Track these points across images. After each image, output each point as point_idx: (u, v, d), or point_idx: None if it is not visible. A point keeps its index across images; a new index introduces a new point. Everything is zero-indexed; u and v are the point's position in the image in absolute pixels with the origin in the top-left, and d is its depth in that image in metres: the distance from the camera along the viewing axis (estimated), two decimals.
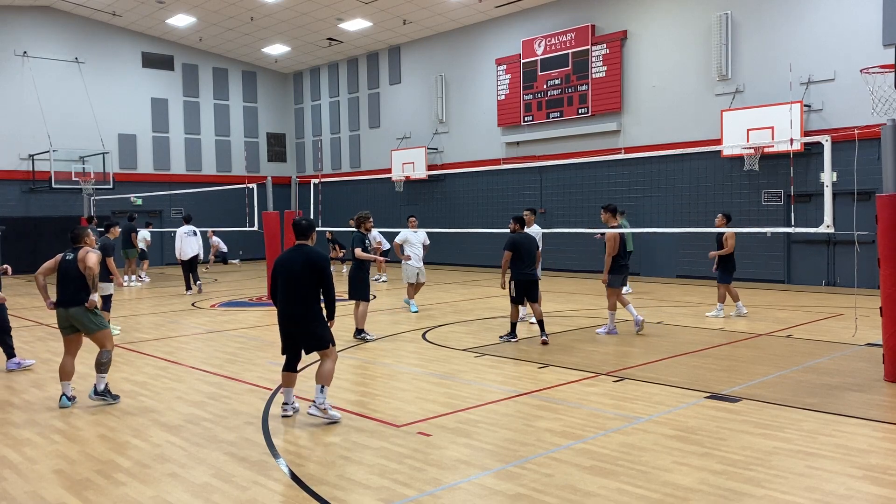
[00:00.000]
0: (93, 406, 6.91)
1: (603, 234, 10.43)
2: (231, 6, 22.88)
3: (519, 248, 9.74)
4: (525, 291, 9.81)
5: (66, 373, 6.98)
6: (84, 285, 6.86)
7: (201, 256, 17.64)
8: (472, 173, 22.43)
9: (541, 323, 9.85)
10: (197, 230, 17.44)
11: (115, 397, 7.04)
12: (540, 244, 10.83)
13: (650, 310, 12.74)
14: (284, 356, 6.42)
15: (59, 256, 7.11)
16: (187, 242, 16.98)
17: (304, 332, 6.20)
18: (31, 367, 8.70)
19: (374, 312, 13.04)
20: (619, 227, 10.46)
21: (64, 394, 6.95)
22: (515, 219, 10.16)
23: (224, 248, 23.63)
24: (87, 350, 7.91)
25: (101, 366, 6.92)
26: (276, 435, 5.91)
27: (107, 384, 7.03)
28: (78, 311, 6.84)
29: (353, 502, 4.51)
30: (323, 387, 6.14)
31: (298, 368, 6.47)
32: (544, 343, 9.59)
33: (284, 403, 6.43)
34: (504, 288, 10.03)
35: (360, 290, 10.29)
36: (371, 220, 10.64)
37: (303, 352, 6.40)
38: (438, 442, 5.62)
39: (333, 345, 6.30)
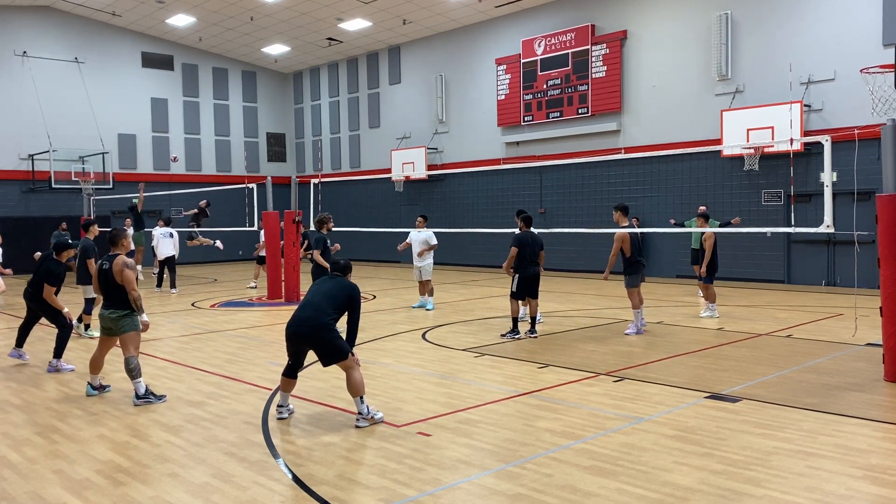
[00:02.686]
0: (93, 406, 6.92)
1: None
2: (231, 6, 22.88)
3: (524, 247, 10.11)
4: (527, 287, 10.16)
5: (94, 365, 7.31)
6: (115, 294, 7.03)
7: (177, 257, 17.73)
8: (472, 173, 22.44)
9: (533, 319, 10.34)
10: (174, 232, 17.50)
11: (161, 397, 7.05)
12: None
13: (650, 310, 12.73)
14: (288, 359, 6.37)
15: (97, 266, 7.30)
16: (164, 243, 17.21)
17: (317, 342, 6.08)
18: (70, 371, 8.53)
19: (374, 312, 13.05)
20: (629, 226, 10.55)
21: (89, 383, 7.32)
22: (524, 219, 10.43)
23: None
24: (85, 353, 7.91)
25: (130, 372, 6.95)
26: (276, 435, 5.91)
27: (147, 387, 7.03)
28: (113, 313, 7.03)
29: (353, 502, 4.51)
30: (361, 397, 6.07)
31: (298, 373, 6.45)
32: (532, 337, 10.18)
33: (280, 405, 6.41)
34: (508, 273, 10.34)
35: None
36: (332, 221, 11.26)
37: (304, 358, 6.37)
38: (438, 442, 5.61)
39: (352, 353, 6.16)
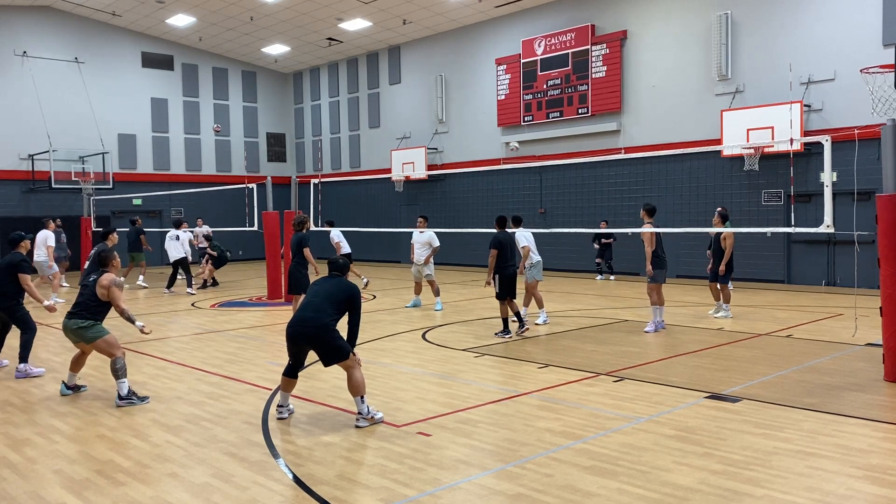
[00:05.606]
0: (93, 406, 6.91)
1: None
2: (231, 6, 22.88)
3: (503, 247, 10.26)
4: (510, 286, 10.31)
5: (74, 364, 7.31)
6: (90, 306, 7.02)
7: (190, 258, 17.72)
8: (472, 173, 22.44)
9: (518, 316, 10.43)
10: (180, 234, 17.50)
11: (144, 398, 7.04)
12: (524, 242, 11.25)
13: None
14: (289, 359, 6.38)
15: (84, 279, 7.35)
16: (170, 246, 17.37)
17: (319, 342, 6.07)
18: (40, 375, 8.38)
19: (375, 312, 13.04)
20: (655, 225, 10.58)
21: (64, 382, 7.32)
22: (498, 220, 10.60)
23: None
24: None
25: (116, 373, 6.92)
26: (276, 435, 5.91)
27: (129, 387, 7.00)
28: (74, 324, 6.99)
29: (353, 502, 4.51)
30: (362, 397, 6.07)
31: (299, 372, 6.45)
32: (522, 333, 10.30)
33: (280, 405, 6.41)
34: (490, 285, 10.41)
35: (298, 285, 11.02)
36: (310, 221, 11.53)
37: (305, 358, 6.37)
38: (438, 442, 5.61)
39: (353, 353, 6.17)
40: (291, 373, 6.34)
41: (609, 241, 18.39)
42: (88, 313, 7.01)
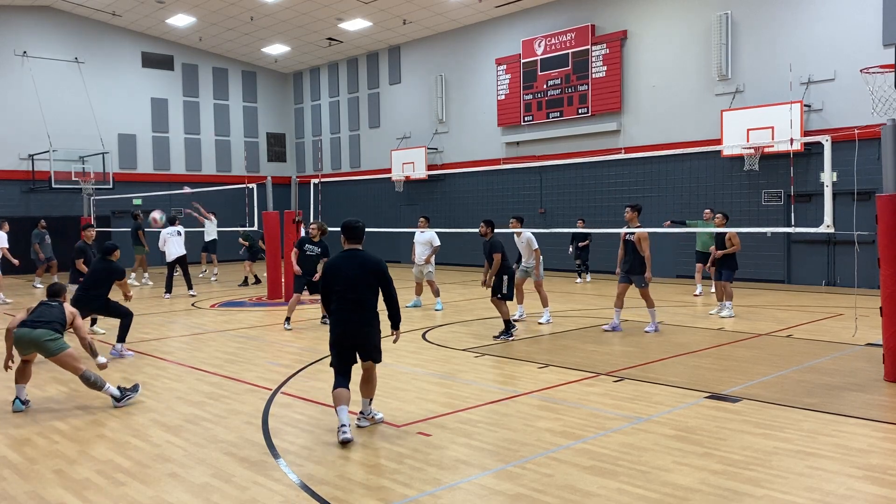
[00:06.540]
0: (93, 406, 6.91)
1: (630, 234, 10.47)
2: (231, 6, 22.88)
3: (504, 248, 10.35)
4: (513, 287, 10.45)
5: (21, 375, 6.86)
6: (56, 323, 6.81)
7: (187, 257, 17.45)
8: (472, 173, 22.43)
9: (510, 321, 10.40)
10: (182, 230, 16.88)
11: (135, 387, 7.01)
12: (537, 244, 11.45)
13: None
14: (334, 372, 5.91)
15: (32, 307, 7.07)
16: (173, 242, 16.41)
17: (367, 341, 5.91)
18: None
19: None
20: (641, 226, 10.52)
21: (17, 397, 6.84)
22: (489, 223, 10.53)
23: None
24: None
25: (95, 385, 6.69)
26: (276, 435, 5.91)
27: (119, 386, 6.94)
28: (42, 335, 6.63)
29: (353, 502, 4.51)
30: (370, 399, 6.06)
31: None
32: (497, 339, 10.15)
33: (342, 425, 5.58)
34: (487, 286, 10.38)
35: (296, 285, 11.56)
36: (315, 230, 11.67)
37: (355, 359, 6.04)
38: (438, 442, 5.61)
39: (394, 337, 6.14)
40: (344, 384, 5.81)
41: (586, 242, 18.28)
42: (58, 326, 6.80)
